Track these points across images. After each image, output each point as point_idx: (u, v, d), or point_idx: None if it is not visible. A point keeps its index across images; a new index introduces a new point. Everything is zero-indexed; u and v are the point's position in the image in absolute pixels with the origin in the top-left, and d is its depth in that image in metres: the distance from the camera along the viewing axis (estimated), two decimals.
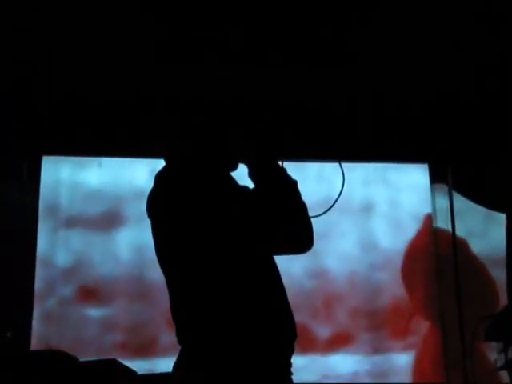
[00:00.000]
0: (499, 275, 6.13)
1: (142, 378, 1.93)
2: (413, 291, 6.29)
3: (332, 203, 2.91)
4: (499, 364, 3.88)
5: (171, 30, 5.34)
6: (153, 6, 5.11)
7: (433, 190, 6.53)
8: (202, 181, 2.59)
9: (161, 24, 5.28)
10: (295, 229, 2.67)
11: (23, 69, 5.67)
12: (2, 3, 5.01)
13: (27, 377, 1.73)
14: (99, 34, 5.39)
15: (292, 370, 2.72)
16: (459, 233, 6.39)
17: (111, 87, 5.90)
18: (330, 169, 6.32)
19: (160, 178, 2.70)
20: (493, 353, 4.10)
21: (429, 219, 6.48)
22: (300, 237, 2.72)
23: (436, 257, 6.42)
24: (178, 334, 2.57)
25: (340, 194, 2.90)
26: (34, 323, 5.99)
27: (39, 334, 5.85)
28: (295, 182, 2.72)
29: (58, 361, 1.75)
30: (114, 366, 1.75)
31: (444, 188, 6.51)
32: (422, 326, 6.24)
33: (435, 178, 6.54)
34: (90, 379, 1.72)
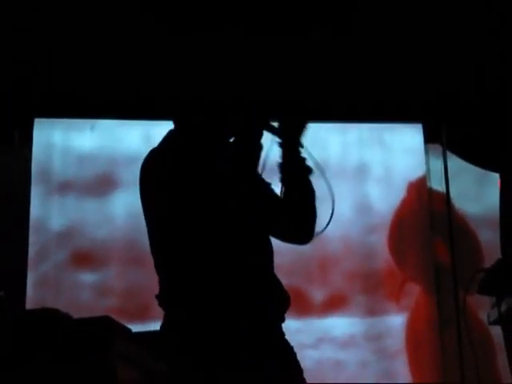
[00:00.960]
0: (492, 236, 6.11)
1: (138, 335, 1.92)
2: (403, 259, 6.29)
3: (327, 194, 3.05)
4: (492, 318, 3.88)
5: None
6: None
7: (427, 151, 6.50)
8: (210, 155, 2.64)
9: None
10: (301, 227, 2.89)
11: (16, 28, 5.56)
12: None
13: (20, 334, 1.71)
14: None
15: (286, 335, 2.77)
16: (453, 194, 6.37)
17: (106, 46, 5.79)
18: (325, 130, 6.37)
19: (170, 141, 2.75)
20: (485, 310, 4.09)
21: (414, 185, 6.45)
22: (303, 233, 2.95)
23: (430, 217, 6.41)
24: (161, 298, 2.64)
25: (329, 222, 3.06)
26: (29, 288, 5.97)
27: (34, 299, 5.84)
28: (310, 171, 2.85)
29: (51, 318, 1.73)
30: (108, 323, 1.74)
31: (438, 148, 6.47)
32: (416, 289, 6.26)
33: (429, 138, 6.51)
34: (85, 335, 1.70)
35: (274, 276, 2.75)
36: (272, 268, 2.76)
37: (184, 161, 2.62)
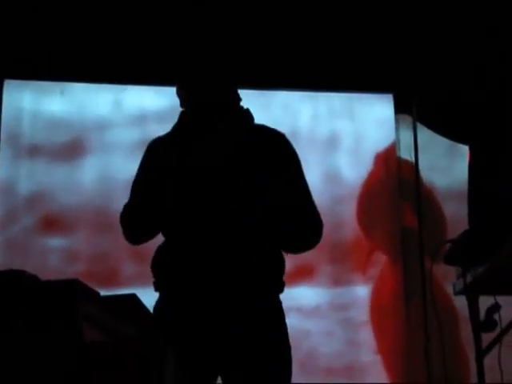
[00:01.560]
0: (459, 208, 6.14)
1: (106, 299, 1.92)
2: (371, 229, 6.32)
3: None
4: (457, 289, 3.91)
5: None
6: None
7: (397, 121, 6.52)
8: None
9: None
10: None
11: None
12: None
13: None
14: None
15: None
16: (422, 165, 6.39)
17: (79, 7, 5.78)
18: (297, 98, 6.41)
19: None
20: (451, 281, 4.13)
21: (382, 156, 6.46)
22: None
23: (399, 187, 6.45)
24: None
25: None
26: None
27: (1, 263, 5.74)
28: None
29: (18, 278, 1.73)
30: (76, 285, 1.74)
31: (408, 119, 6.47)
32: (382, 258, 6.30)
33: (399, 109, 6.52)
34: (53, 297, 1.70)
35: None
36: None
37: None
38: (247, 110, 2.97)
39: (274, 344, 2.77)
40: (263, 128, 2.96)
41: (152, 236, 2.84)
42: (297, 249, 3.06)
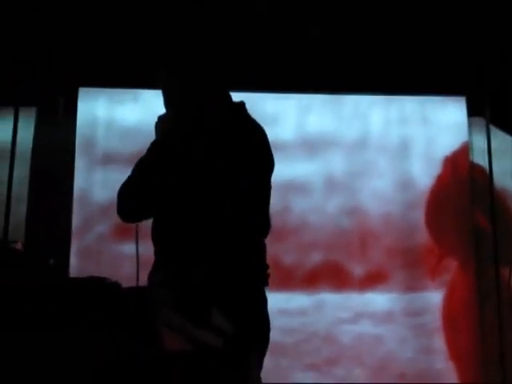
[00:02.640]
0: None
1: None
2: (441, 234, 6.25)
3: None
4: None
5: None
6: None
7: (470, 125, 6.42)
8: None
9: None
10: None
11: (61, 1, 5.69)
12: None
13: (69, 301, 1.73)
14: None
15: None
16: (495, 170, 6.30)
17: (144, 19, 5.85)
18: (368, 102, 6.38)
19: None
20: None
21: (450, 160, 6.38)
22: None
23: (471, 192, 6.35)
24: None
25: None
26: (72, 259, 6.03)
27: (76, 269, 5.89)
28: None
29: (98, 286, 1.76)
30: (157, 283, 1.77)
31: (481, 122, 6.38)
32: (454, 265, 6.23)
33: (472, 112, 6.42)
34: (131, 304, 1.73)
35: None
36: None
37: None
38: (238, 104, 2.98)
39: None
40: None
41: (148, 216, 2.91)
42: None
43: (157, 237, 2.94)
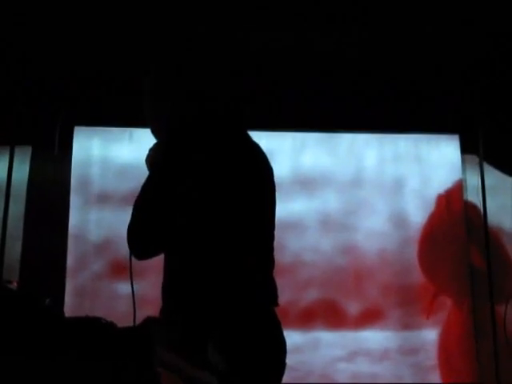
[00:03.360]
0: None
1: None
2: (435, 272, 6.25)
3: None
4: None
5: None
6: None
7: (463, 162, 6.45)
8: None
9: None
10: None
11: (57, 40, 5.72)
12: None
13: (66, 340, 1.73)
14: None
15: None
16: (490, 208, 6.30)
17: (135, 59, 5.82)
18: (363, 141, 6.41)
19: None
20: None
21: (444, 197, 6.41)
22: None
23: (466, 229, 6.36)
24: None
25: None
26: (67, 298, 6.00)
27: (71, 308, 5.85)
28: None
29: (94, 325, 1.75)
30: (152, 329, 1.76)
31: (475, 159, 6.41)
32: (449, 302, 6.24)
33: (466, 150, 6.45)
34: (129, 344, 1.72)
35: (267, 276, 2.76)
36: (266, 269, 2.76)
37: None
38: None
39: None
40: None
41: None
42: None
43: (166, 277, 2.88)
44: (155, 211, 2.64)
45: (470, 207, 6.38)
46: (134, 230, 2.69)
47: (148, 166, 2.84)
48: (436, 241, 6.32)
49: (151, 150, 2.87)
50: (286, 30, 5.61)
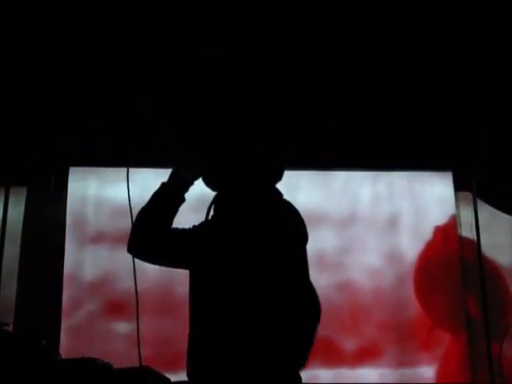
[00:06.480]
0: None
1: None
2: (429, 304, 6.25)
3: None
4: None
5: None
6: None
7: (457, 199, 6.47)
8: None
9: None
10: None
11: (52, 78, 5.79)
12: None
13: (63, 382, 1.74)
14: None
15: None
16: (484, 243, 6.30)
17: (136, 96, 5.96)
18: (356, 180, 6.44)
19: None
20: None
21: (441, 229, 6.43)
22: None
23: (461, 266, 6.36)
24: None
25: None
26: (62, 338, 5.97)
27: (67, 348, 5.78)
28: None
29: (93, 367, 1.76)
30: (147, 372, 1.76)
31: (468, 196, 6.42)
32: (446, 337, 6.21)
33: (459, 186, 6.47)
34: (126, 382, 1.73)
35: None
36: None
37: None
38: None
39: None
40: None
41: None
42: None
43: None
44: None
45: (464, 243, 6.38)
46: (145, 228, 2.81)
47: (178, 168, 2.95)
48: (432, 271, 6.34)
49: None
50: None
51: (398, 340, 6.14)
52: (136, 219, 2.90)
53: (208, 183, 2.94)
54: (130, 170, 6.00)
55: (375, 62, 5.64)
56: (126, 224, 5.94)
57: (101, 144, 6.12)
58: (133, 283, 5.72)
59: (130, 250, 2.92)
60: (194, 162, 2.92)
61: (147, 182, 5.97)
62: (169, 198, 2.89)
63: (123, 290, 6.02)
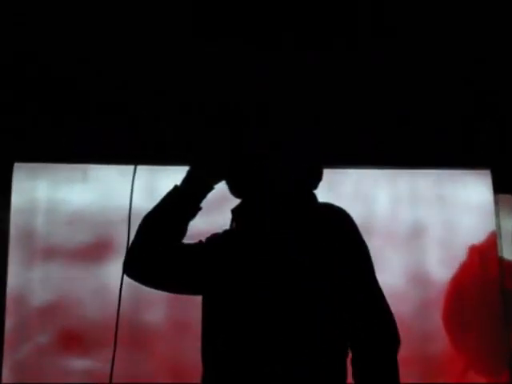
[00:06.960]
0: None
1: None
2: (463, 342, 5.82)
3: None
4: None
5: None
6: None
7: (497, 203, 6.04)
8: None
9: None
10: None
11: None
12: None
13: None
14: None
15: None
16: None
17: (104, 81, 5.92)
18: (370, 179, 6.02)
19: None
20: None
21: (477, 248, 5.92)
22: None
23: (501, 291, 5.93)
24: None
25: None
26: (5, 375, 5.58)
27: None
28: None
29: None
30: None
31: (510, 200, 6.04)
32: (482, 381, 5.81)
33: (499, 188, 6.05)
34: None
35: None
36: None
37: None
38: None
39: None
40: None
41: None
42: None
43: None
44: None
45: (505, 265, 5.93)
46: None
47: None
48: (466, 302, 5.92)
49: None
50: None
51: (421, 378, 5.65)
52: (138, 228, 2.67)
53: (233, 188, 2.71)
54: (88, 167, 5.90)
55: (375, 61, 5.78)
56: (84, 235, 5.67)
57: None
58: (91, 308, 5.54)
59: (125, 271, 2.70)
60: (218, 162, 2.68)
61: (108, 181, 5.87)
62: (183, 203, 2.64)
63: (79, 318, 5.68)
